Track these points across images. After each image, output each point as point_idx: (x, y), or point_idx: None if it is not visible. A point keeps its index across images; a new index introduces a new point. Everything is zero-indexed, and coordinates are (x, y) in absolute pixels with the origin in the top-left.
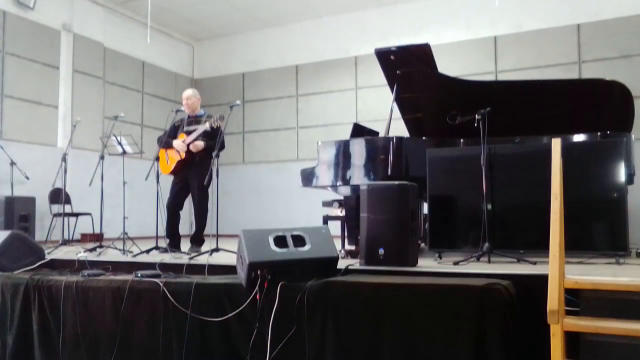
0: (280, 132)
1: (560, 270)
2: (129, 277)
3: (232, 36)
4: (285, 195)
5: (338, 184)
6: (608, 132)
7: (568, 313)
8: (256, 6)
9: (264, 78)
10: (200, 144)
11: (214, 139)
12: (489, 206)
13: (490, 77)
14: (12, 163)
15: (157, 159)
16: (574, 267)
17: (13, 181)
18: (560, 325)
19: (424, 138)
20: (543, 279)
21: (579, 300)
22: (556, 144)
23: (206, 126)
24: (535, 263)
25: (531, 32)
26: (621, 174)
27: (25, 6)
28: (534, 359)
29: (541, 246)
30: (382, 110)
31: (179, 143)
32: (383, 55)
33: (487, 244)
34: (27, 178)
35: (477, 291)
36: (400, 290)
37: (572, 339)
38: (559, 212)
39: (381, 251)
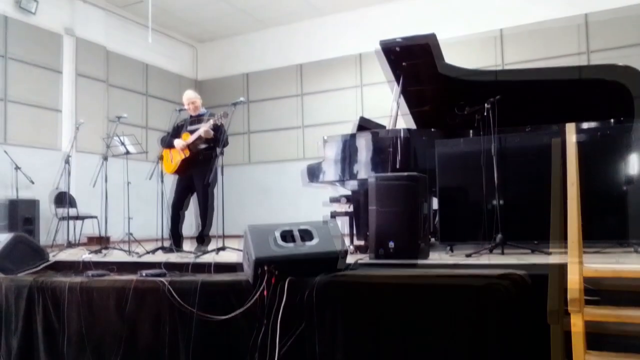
0: (285, 131)
1: (579, 258)
2: (133, 277)
3: (235, 37)
4: (292, 195)
5: (345, 179)
6: (622, 119)
7: (587, 303)
8: (258, 6)
9: (268, 78)
10: (211, 132)
11: (218, 137)
12: (501, 197)
13: None
14: (17, 167)
15: (161, 158)
16: (592, 257)
17: (18, 185)
18: (581, 315)
19: (432, 130)
20: (559, 269)
21: (599, 289)
22: (570, 129)
23: (210, 124)
24: (550, 253)
25: (537, 23)
26: (637, 161)
27: (27, 11)
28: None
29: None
30: (387, 107)
31: (179, 142)
32: (388, 48)
33: (499, 235)
34: (32, 182)
35: (493, 282)
36: (413, 283)
37: (593, 330)
38: (576, 198)
39: (391, 244)
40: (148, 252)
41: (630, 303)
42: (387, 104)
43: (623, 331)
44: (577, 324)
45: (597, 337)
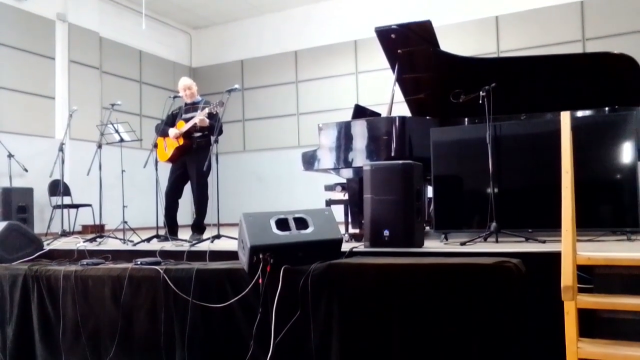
0: (281, 118)
1: (573, 246)
2: (129, 265)
3: (230, 23)
4: (287, 182)
5: (340, 167)
6: (616, 107)
7: (580, 290)
8: None
9: (263, 65)
10: (206, 120)
11: (213, 125)
12: (496, 185)
13: None
14: (10, 155)
15: (155, 146)
16: (585, 245)
17: (12, 174)
18: (574, 302)
19: (427, 117)
20: (553, 257)
21: (592, 277)
22: (565, 117)
23: (205, 112)
24: (544, 241)
25: (533, 10)
26: (631, 149)
27: None
28: (545, 337)
29: (549, 225)
30: (383, 94)
31: (173, 130)
32: (383, 34)
33: (494, 224)
34: (26, 170)
35: (487, 270)
36: (408, 271)
37: (586, 317)
38: (570, 186)
39: (386, 232)
40: (143, 241)
41: (622, 290)
42: (383, 91)
43: (615, 318)
44: (570, 311)
45: (589, 324)
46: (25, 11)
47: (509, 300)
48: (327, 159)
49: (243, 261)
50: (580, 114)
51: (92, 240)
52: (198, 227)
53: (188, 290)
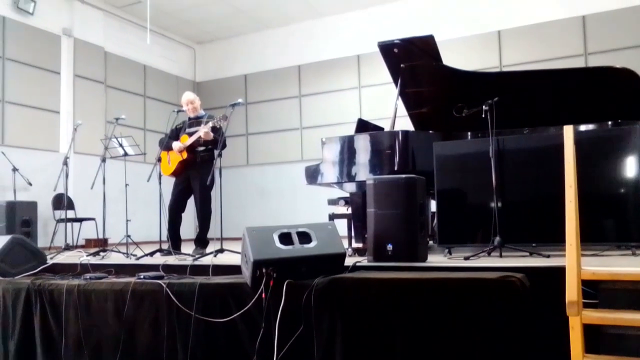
0: (284, 132)
1: (577, 260)
2: (132, 280)
3: (234, 38)
4: (291, 197)
5: (343, 181)
6: (619, 121)
7: (585, 306)
8: (257, 7)
9: (267, 79)
10: (211, 134)
11: (217, 139)
12: (499, 200)
13: None
14: (15, 169)
15: (159, 160)
16: (590, 259)
17: (16, 187)
18: (579, 318)
19: (430, 131)
20: (558, 271)
21: (597, 292)
22: (568, 131)
23: (209, 126)
24: (548, 256)
25: (535, 25)
26: (635, 163)
27: (25, 12)
28: (550, 353)
29: (553, 239)
30: (386, 109)
31: (177, 144)
32: (386, 49)
33: (498, 238)
34: (30, 184)
35: (491, 284)
36: (411, 285)
37: (591, 333)
38: (574, 200)
39: (389, 247)
40: (146, 255)
41: (628, 306)
42: (386, 106)
43: (621, 334)
44: (575, 327)
45: (595, 340)
46: (31, 26)
47: (513, 315)
48: (330, 173)
49: (246, 275)
50: (583, 128)
51: (95, 254)
52: (201, 241)
53: (191, 305)
